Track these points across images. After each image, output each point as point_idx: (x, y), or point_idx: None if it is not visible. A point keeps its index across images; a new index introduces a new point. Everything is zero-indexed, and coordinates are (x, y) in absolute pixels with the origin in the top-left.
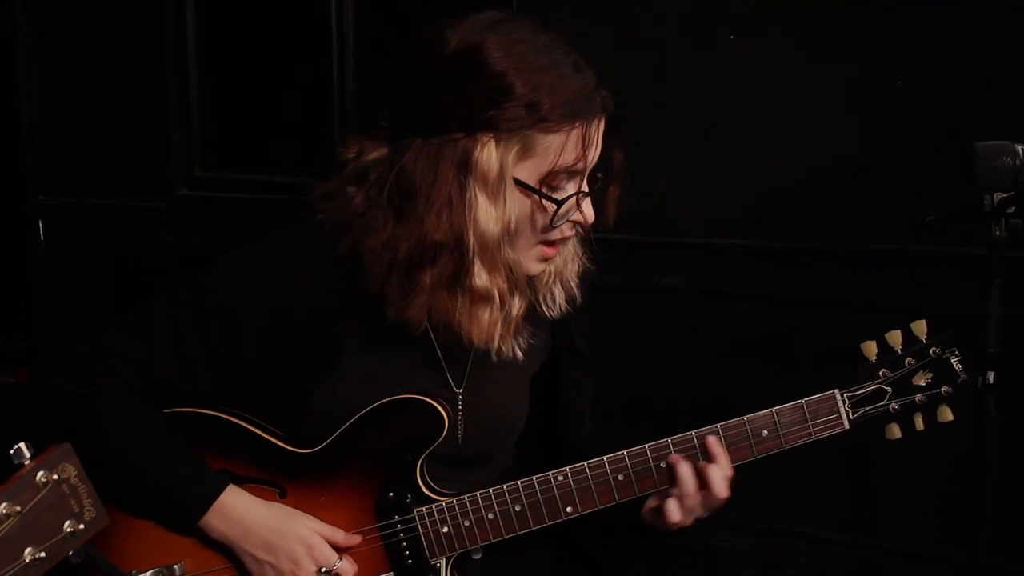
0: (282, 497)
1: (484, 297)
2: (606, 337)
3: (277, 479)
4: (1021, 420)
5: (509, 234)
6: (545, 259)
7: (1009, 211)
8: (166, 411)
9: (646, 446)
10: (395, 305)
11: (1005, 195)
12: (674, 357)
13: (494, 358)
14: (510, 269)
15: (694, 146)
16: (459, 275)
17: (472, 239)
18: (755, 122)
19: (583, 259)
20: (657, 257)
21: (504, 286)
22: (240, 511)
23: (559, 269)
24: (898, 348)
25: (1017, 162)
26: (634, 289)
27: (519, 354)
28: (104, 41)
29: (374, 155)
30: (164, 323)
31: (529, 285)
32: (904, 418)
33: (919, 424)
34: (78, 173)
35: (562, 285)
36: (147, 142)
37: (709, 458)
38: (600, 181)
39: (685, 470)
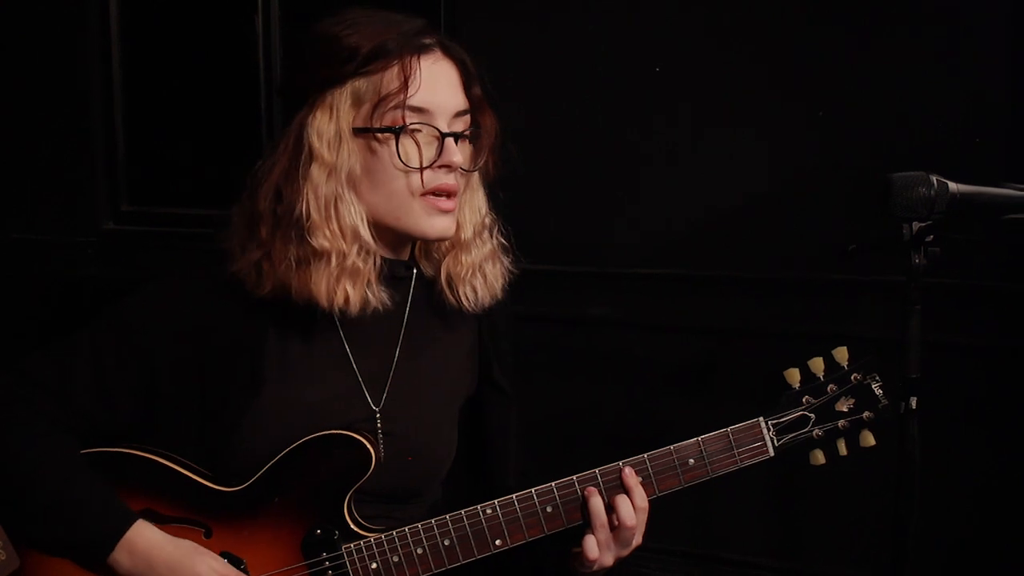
0: (208, 537)
1: (319, 254)
2: (535, 367)
3: (202, 518)
4: (943, 444)
5: (354, 183)
6: (436, 212)
7: (927, 239)
8: (90, 451)
9: (574, 477)
10: (259, 284)
11: (923, 224)
12: (603, 387)
13: (367, 316)
14: (378, 222)
15: (620, 177)
16: (300, 233)
17: (309, 197)
18: (680, 153)
19: (507, 264)
20: (585, 287)
21: (340, 241)
22: (146, 548)
23: (475, 263)
24: (820, 375)
25: (932, 192)
26: (562, 319)
27: (387, 301)
28: (27, 73)
29: None
30: (83, 355)
31: (448, 282)
32: (828, 444)
33: (842, 449)
34: (1, 207)
35: (483, 279)
36: (72, 176)
37: (624, 490)
38: (471, 129)
39: (596, 503)
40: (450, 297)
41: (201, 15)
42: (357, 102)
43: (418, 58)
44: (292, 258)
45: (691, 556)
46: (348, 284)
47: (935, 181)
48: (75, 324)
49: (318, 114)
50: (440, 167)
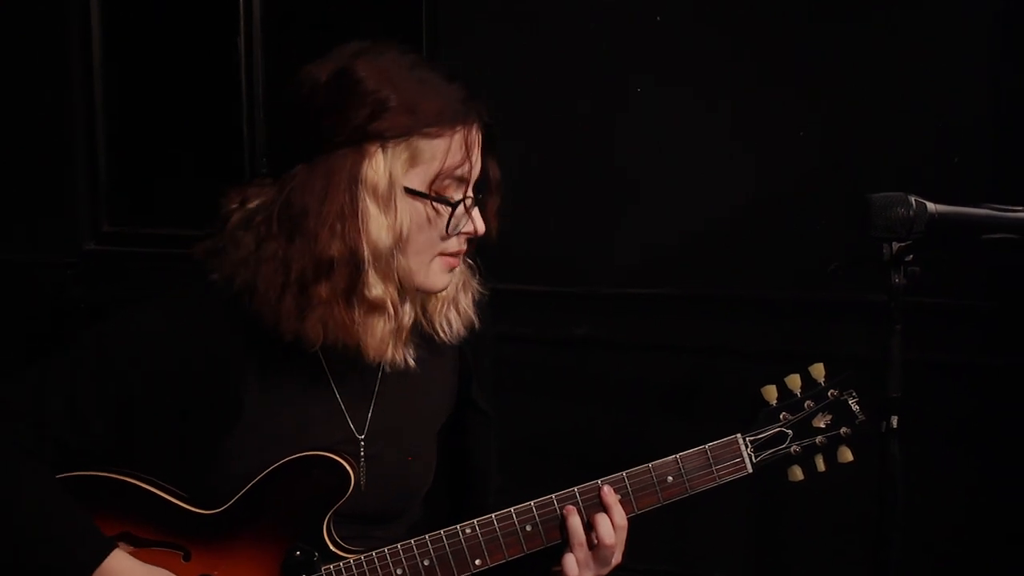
0: (186, 560)
1: (379, 307)
2: (519, 387)
3: (180, 541)
4: (925, 463)
5: (402, 243)
6: (451, 269)
7: (907, 259)
8: (66, 475)
9: (553, 496)
10: (289, 324)
11: (902, 244)
12: (586, 407)
13: (388, 368)
14: (401, 280)
15: (604, 199)
16: (355, 287)
17: (366, 250)
18: (663, 173)
19: (476, 285)
20: (569, 308)
21: (396, 296)
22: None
23: (451, 295)
24: (797, 391)
25: (911, 212)
26: (546, 339)
27: (411, 362)
28: (6, 93)
29: (259, 200)
30: (61, 381)
31: (423, 313)
32: (806, 460)
33: (820, 465)
34: None
35: (457, 311)
36: (54, 197)
37: (603, 508)
38: (482, 195)
39: (575, 522)
40: (426, 328)
41: (183, 36)
42: (414, 162)
43: (475, 127)
44: (356, 313)
45: (670, 575)
46: (399, 341)
47: (914, 201)
48: (55, 346)
49: (372, 163)
50: (463, 235)
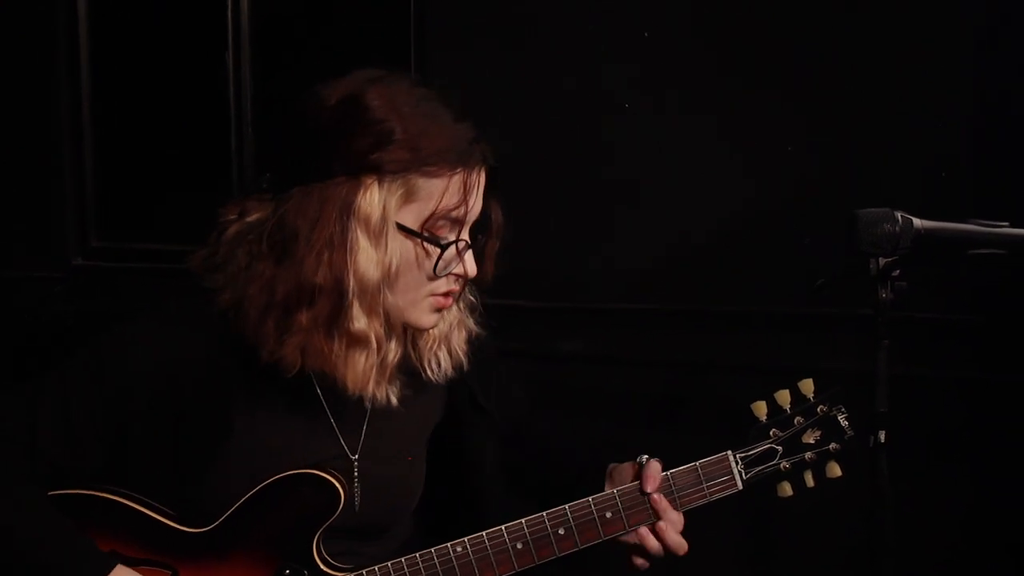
0: None
1: (361, 341)
2: None
3: (168, 560)
4: (914, 478)
5: (390, 279)
6: (439, 309)
7: (894, 274)
8: (54, 493)
9: (544, 513)
10: (269, 346)
11: (889, 259)
12: (574, 422)
13: (369, 403)
14: (388, 315)
15: (591, 213)
16: (337, 317)
17: (352, 282)
18: (650, 187)
19: (472, 325)
20: (556, 322)
21: (381, 331)
22: None
23: (443, 334)
24: (787, 407)
25: (897, 228)
26: (535, 354)
27: (393, 400)
28: None
29: (257, 214)
30: (52, 400)
31: (413, 348)
32: (795, 476)
33: (809, 481)
34: None
35: (448, 351)
36: (41, 211)
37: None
38: (481, 237)
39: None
40: (415, 363)
41: (172, 51)
42: (409, 198)
43: (475, 170)
44: (335, 345)
45: None
46: (382, 378)
47: (900, 217)
48: (43, 362)
49: (368, 194)
50: (455, 275)
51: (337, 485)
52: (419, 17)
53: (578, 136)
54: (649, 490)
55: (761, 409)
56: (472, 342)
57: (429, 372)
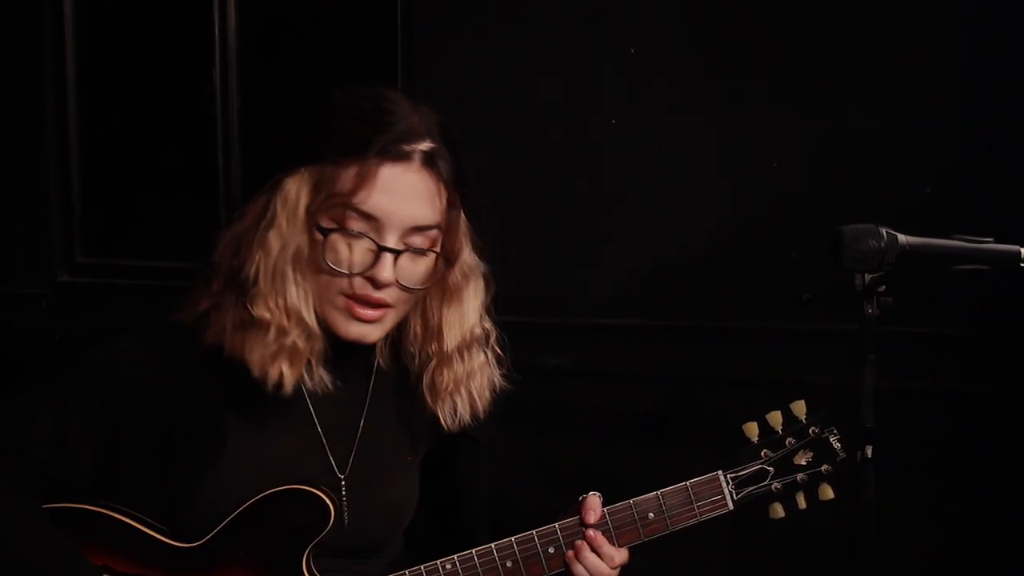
0: None
1: (259, 324)
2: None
3: (159, 574)
4: (901, 492)
5: (292, 261)
6: (354, 318)
7: (879, 289)
8: (48, 506)
9: (534, 531)
10: (213, 331)
11: (874, 275)
12: (559, 438)
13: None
14: (305, 303)
15: (576, 228)
16: (243, 296)
17: (260, 254)
18: (636, 202)
19: (497, 377)
20: (540, 338)
21: (282, 317)
22: None
23: (458, 378)
24: (779, 428)
25: (882, 244)
26: (519, 370)
27: (320, 389)
28: None
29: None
30: (43, 412)
31: (430, 392)
32: (787, 497)
33: (801, 503)
34: None
35: (466, 397)
36: (26, 226)
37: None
38: (436, 250)
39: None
40: (430, 406)
41: (158, 67)
42: (316, 187)
43: (384, 164)
44: (232, 318)
45: None
46: (285, 363)
47: (885, 233)
48: (27, 379)
49: (292, 183)
50: (367, 278)
51: (327, 501)
52: (406, 36)
53: (565, 150)
54: (588, 522)
55: (752, 430)
56: (495, 392)
57: (443, 418)
